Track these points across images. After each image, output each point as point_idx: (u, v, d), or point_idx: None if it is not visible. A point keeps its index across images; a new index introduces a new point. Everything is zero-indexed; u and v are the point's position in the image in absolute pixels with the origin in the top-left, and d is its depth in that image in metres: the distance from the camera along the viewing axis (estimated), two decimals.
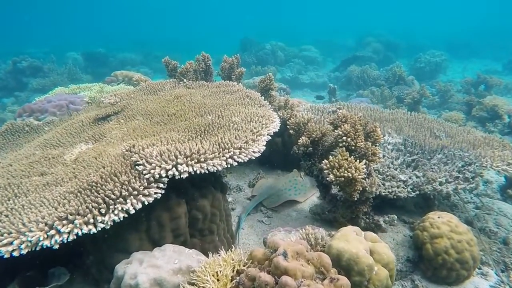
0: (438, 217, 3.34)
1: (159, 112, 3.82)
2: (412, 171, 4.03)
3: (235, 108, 3.67)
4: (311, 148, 3.54)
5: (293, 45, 19.30)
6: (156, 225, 2.70)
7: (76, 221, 2.22)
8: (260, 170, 5.13)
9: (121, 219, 2.33)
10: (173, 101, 4.09)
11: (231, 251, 2.34)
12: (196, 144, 2.80)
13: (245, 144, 2.88)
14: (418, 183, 3.75)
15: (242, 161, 2.79)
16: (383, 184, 3.67)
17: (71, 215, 2.26)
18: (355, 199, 3.14)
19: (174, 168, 2.53)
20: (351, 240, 2.51)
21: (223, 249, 2.35)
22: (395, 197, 3.57)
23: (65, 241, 2.18)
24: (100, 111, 4.12)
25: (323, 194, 3.85)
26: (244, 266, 2.21)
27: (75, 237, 2.21)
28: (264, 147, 3.04)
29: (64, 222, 2.22)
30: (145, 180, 2.49)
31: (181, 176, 2.54)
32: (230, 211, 3.65)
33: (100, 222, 2.26)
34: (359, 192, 3.11)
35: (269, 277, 1.99)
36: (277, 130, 3.47)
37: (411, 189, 3.71)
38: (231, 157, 2.75)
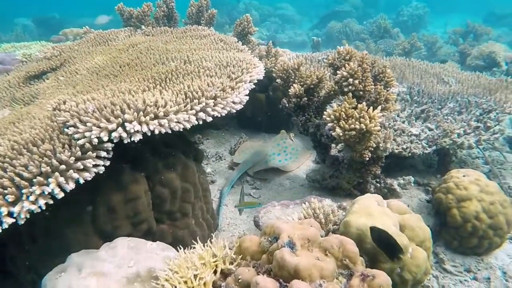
0: (464, 176, 2.72)
1: (109, 63, 2.96)
2: (422, 123, 3.38)
3: (207, 53, 2.86)
4: (305, 99, 2.81)
5: (267, 3, 18.05)
6: (105, 212, 1.94)
7: None
8: (241, 133, 4.38)
9: (43, 208, 1.56)
10: (127, 50, 3.22)
11: (211, 242, 1.62)
12: (154, 95, 2.00)
13: (221, 92, 2.11)
14: (434, 137, 3.11)
15: (218, 116, 2.03)
16: (394, 140, 3.00)
17: None
18: (367, 159, 2.46)
19: (120, 128, 1.74)
20: (375, 214, 1.84)
21: (198, 242, 1.63)
22: (409, 154, 2.92)
23: None
24: (32, 67, 3.21)
25: (321, 157, 3.17)
26: (231, 264, 1.50)
27: None
28: (247, 97, 2.29)
29: None
30: (78, 149, 1.70)
31: (132, 139, 1.77)
32: (209, 184, 2.93)
33: (6, 215, 1.48)
34: (372, 149, 2.43)
35: (272, 282, 1.29)
36: (262, 78, 2.71)
37: (426, 144, 3.07)
38: (202, 109, 1.97)
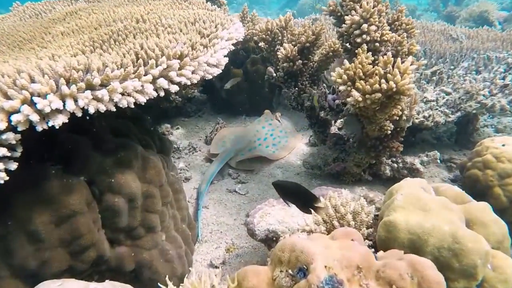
0: (503, 145, 2.19)
1: (37, 35, 2.24)
2: (435, 87, 2.84)
3: (168, 12, 2.18)
4: (299, 62, 2.18)
5: None
6: (24, 241, 1.27)
7: None
8: (218, 118, 3.72)
9: None
10: (64, 19, 2.50)
11: (191, 279, 0.98)
12: (88, 58, 1.32)
13: (190, 50, 1.45)
14: (455, 101, 2.56)
15: (188, 83, 1.37)
16: None
17: None
18: (389, 132, 1.88)
19: (26, 107, 1.06)
20: (430, 207, 1.25)
21: (169, 284, 1.00)
22: (432, 123, 2.37)
23: None
24: None
25: (320, 137, 2.57)
26: None
27: None
28: (226, 59, 1.64)
29: None
30: None
31: (51, 125, 1.09)
32: (182, 183, 2.27)
33: None
34: (397, 119, 1.85)
35: None
36: (241, 39, 2.07)
37: (447, 110, 2.53)
38: (163, 75, 1.31)
